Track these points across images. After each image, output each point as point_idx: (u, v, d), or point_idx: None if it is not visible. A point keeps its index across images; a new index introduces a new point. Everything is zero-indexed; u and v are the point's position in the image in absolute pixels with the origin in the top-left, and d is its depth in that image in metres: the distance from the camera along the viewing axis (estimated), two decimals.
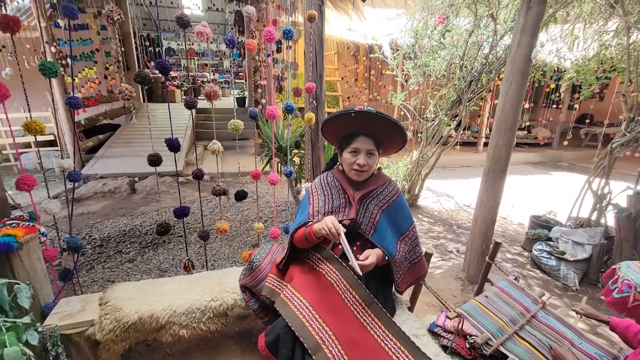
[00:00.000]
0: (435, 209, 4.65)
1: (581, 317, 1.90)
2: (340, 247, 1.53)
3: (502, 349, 1.56)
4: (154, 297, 1.70)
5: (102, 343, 1.55)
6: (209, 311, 1.71)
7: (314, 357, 1.20)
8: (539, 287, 2.74)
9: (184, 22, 1.60)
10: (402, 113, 5.19)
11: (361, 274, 1.29)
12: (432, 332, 2.02)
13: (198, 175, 1.92)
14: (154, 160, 1.73)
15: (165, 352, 1.93)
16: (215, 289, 1.79)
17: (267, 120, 4.30)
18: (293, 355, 1.28)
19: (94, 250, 3.08)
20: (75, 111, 1.63)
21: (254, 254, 1.77)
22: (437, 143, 4.01)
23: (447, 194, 5.38)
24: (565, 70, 3.60)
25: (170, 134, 1.75)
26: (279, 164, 4.12)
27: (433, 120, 3.97)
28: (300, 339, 1.24)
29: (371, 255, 1.36)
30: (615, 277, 1.37)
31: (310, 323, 1.28)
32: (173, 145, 1.75)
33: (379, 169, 1.62)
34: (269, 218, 3.88)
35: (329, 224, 1.29)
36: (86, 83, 6.43)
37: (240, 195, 2.03)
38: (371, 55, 4.41)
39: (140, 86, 8.08)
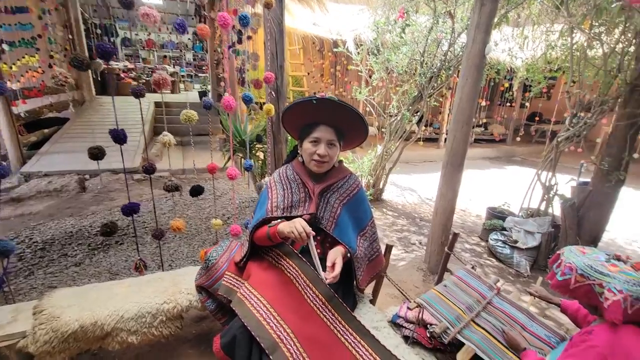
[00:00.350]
0: (399, 202, 4.74)
1: (535, 299, 2.01)
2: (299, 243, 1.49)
3: (459, 336, 1.60)
4: (98, 303, 1.56)
5: (36, 356, 1.39)
6: (161, 314, 1.60)
7: (271, 357, 1.15)
8: (495, 275, 2.88)
9: (127, 3, 1.47)
10: (367, 109, 5.24)
11: (324, 279, 1.27)
12: (395, 323, 2.04)
13: (148, 170, 1.78)
14: (96, 153, 1.58)
15: None
16: (169, 290, 1.68)
17: (228, 114, 4.15)
18: (250, 356, 1.22)
19: (35, 254, 2.81)
20: (13, 102, 1.45)
21: (209, 252, 1.68)
22: (400, 138, 4.08)
23: (410, 188, 5.51)
24: (517, 70, 3.80)
25: (128, 128, 1.60)
26: (242, 159, 4.00)
27: (396, 116, 4.03)
28: (257, 338, 1.19)
29: (337, 263, 1.33)
30: (559, 261, 1.44)
31: (267, 321, 1.23)
32: (118, 136, 1.61)
33: (340, 162, 1.59)
34: (232, 215, 3.75)
35: (299, 227, 1.25)
36: (27, 72, 5.84)
37: (196, 191, 1.92)
38: (335, 50, 4.39)
39: (91, 77, 7.54)
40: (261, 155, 3.90)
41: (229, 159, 4.04)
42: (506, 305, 1.89)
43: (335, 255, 1.34)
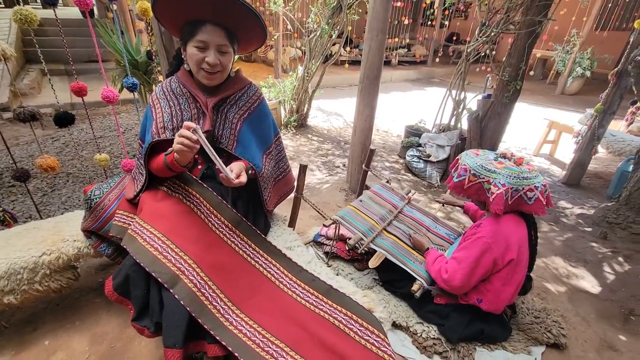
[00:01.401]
0: (325, 127, 4.68)
1: (443, 206, 2.20)
2: (199, 167, 1.32)
3: (372, 245, 1.68)
4: None
5: None
6: (42, 268, 1.37)
7: (171, 290, 1.04)
8: (410, 187, 3.08)
9: None
10: (288, 27, 4.75)
11: (233, 178, 1.10)
12: (317, 241, 2.10)
13: (20, 177, 1.37)
14: None
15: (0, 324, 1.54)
16: (48, 240, 1.42)
17: (112, 31, 3.38)
18: (148, 294, 1.11)
19: None
20: None
21: (91, 190, 1.41)
22: (321, 57, 3.82)
23: (337, 112, 5.44)
24: None
25: None
26: (142, 87, 3.41)
27: (315, 31, 3.70)
28: (153, 274, 1.06)
29: (243, 174, 1.16)
30: (457, 165, 1.52)
31: (164, 255, 1.09)
32: None
33: (238, 70, 1.35)
34: (134, 151, 3.31)
35: (180, 132, 1.01)
36: None
37: (63, 119, 1.53)
38: None
39: None
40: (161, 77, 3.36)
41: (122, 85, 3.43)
42: (415, 212, 2.02)
43: (239, 167, 1.18)
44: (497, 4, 2.71)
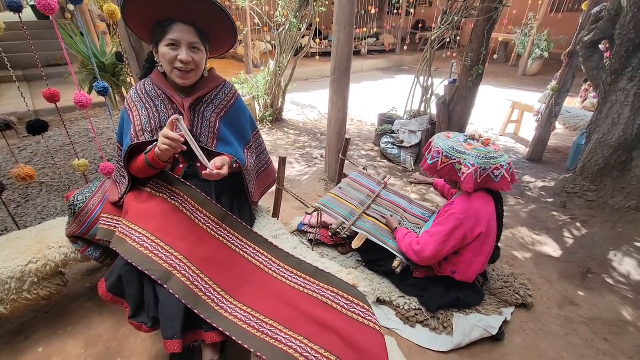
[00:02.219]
0: (300, 120, 4.73)
1: (415, 186, 2.33)
2: (180, 166, 1.35)
3: (354, 228, 1.78)
4: None
5: None
6: (29, 276, 1.37)
7: (165, 286, 1.09)
8: (386, 173, 3.21)
9: None
10: (255, 21, 4.72)
11: (212, 168, 1.16)
12: (300, 230, 2.18)
13: None
14: None
15: None
16: (33, 248, 1.42)
17: (75, 33, 3.27)
18: (143, 292, 1.15)
19: None
20: None
21: (73, 195, 1.42)
22: (291, 50, 3.85)
23: (311, 105, 5.50)
24: None
25: None
26: (112, 90, 3.33)
27: (284, 25, 3.73)
28: (146, 272, 1.10)
29: (224, 165, 1.21)
30: (430, 147, 1.64)
31: (155, 253, 1.14)
32: None
33: (211, 69, 1.39)
34: (109, 155, 3.25)
35: (164, 133, 1.07)
36: None
37: (36, 127, 1.52)
38: None
39: None
40: (131, 80, 3.30)
41: (91, 88, 3.34)
42: (392, 195, 2.14)
43: (222, 160, 1.23)
44: None
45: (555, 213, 2.64)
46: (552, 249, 2.25)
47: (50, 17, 1.42)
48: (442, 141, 1.58)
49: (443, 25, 2.86)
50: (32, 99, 4.47)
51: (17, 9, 1.30)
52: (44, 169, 2.98)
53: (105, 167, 1.73)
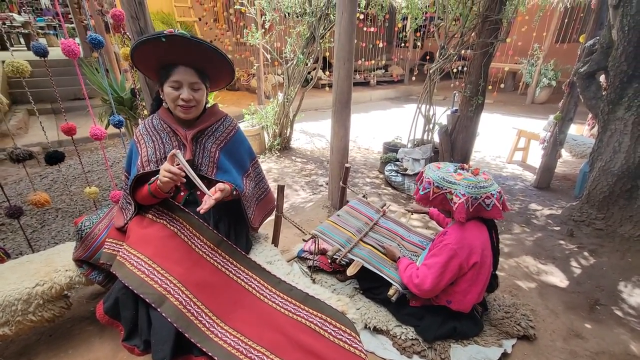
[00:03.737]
0: (308, 149, 4.85)
1: (412, 214, 2.33)
2: (181, 194, 1.44)
3: (350, 255, 1.80)
4: None
5: None
6: (35, 298, 1.44)
7: (159, 309, 1.14)
8: (389, 200, 3.23)
9: None
10: (268, 56, 5.00)
11: (209, 193, 1.24)
12: (301, 257, 2.20)
13: (14, 214, 1.51)
14: None
15: None
16: (41, 271, 1.50)
17: (97, 70, 3.56)
18: (137, 315, 1.20)
19: None
20: None
21: (81, 221, 1.52)
22: (299, 83, 4.05)
23: (319, 134, 5.64)
24: (398, 6, 3.96)
25: None
26: (128, 121, 3.55)
27: (292, 60, 3.94)
28: (141, 295, 1.16)
29: (220, 190, 1.29)
30: (422, 178, 1.67)
31: (151, 277, 1.20)
32: None
33: (214, 105, 1.51)
34: (122, 183, 3.40)
35: (165, 167, 1.18)
36: None
37: (53, 157, 1.65)
38: None
39: None
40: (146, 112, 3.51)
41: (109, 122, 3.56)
42: (390, 223, 2.16)
43: (221, 185, 1.31)
44: (453, 28, 2.98)
45: (562, 242, 2.58)
46: (558, 278, 2.19)
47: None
48: (433, 172, 1.62)
49: (441, 59, 2.98)
50: (58, 131, 4.80)
51: (43, 55, 1.46)
52: (62, 196, 3.15)
53: (115, 194, 1.83)
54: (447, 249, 1.54)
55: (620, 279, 2.16)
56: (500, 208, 1.53)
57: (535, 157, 4.21)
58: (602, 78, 2.98)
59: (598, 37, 2.55)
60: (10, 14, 9.38)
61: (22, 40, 9.43)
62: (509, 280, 2.14)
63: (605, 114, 2.45)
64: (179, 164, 1.20)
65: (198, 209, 1.23)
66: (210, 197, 1.24)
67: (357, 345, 1.12)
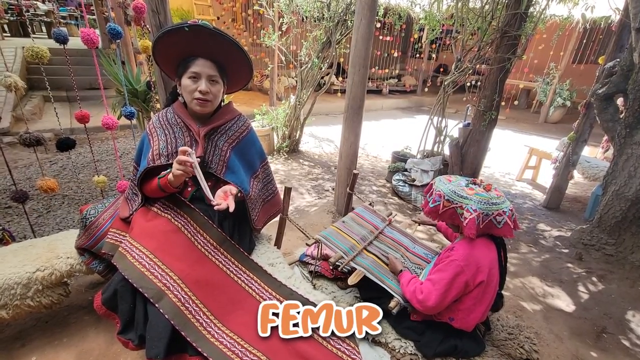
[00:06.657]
0: (316, 153, 4.85)
1: (419, 225, 2.30)
2: (189, 189, 1.43)
3: (352, 263, 1.76)
4: None
5: None
6: (35, 284, 1.44)
7: (157, 305, 1.12)
8: (395, 210, 3.20)
9: None
10: (283, 58, 5.03)
11: (211, 198, 1.23)
12: (302, 261, 2.17)
13: (19, 198, 1.53)
14: None
15: None
16: (42, 257, 1.50)
17: (114, 61, 3.60)
18: (134, 308, 1.18)
19: None
20: None
21: (87, 209, 1.51)
22: (311, 87, 4.05)
23: (328, 138, 5.64)
24: (416, 17, 3.95)
25: None
26: (140, 114, 3.58)
27: (307, 64, 3.95)
28: (140, 289, 1.14)
29: (230, 197, 1.28)
30: (432, 190, 1.64)
31: (151, 271, 1.18)
32: None
33: (229, 103, 1.50)
34: (130, 174, 3.42)
35: (180, 159, 1.16)
36: None
37: (65, 144, 1.66)
38: None
39: None
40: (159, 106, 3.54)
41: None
42: (395, 233, 2.12)
43: (225, 189, 1.31)
44: (470, 42, 2.96)
45: (570, 265, 2.52)
46: (564, 302, 2.13)
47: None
48: (444, 185, 1.58)
49: (456, 71, 2.96)
50: (71, 118, 4.86)
51: (63, 41, 1.47)
52: (69, 183, 3.17)
53: (122, 184, 1.83)
54: (453, 265, 1.50)
55: (629, 307, 2.10)
56: (512, 226, 1.49)
57: (546, 176, 4.14)
58: (619, 101, 2.93)
59: (618, 60, 2.50)
60: (35, 2, 9.59)
61: (43, 28, 9.62)
62: (514, 301, 2.09)
63: (622, 137, 2.40)
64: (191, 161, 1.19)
65: (214, 203, 1.21)
66: (230, 200, 1.24)
67: (355, 357, 1.10)
